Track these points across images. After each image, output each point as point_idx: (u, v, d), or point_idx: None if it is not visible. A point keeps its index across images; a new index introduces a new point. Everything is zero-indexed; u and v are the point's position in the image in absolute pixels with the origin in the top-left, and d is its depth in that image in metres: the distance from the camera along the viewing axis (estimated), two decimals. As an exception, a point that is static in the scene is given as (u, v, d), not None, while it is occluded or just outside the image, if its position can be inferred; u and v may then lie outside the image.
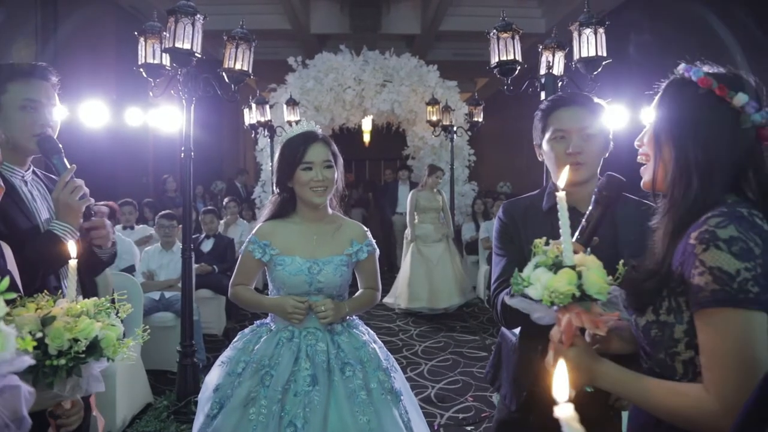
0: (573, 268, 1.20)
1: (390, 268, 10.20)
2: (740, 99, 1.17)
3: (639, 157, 1.35)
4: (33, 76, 1.90)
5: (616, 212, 1.76)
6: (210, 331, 5.90)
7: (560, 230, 1.24)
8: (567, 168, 1.33)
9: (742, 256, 1.06)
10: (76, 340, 1.28)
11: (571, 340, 1.24)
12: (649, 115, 1.32)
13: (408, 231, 7.31)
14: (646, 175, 1.32)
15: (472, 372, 5.07)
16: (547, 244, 1.30)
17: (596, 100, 1.91)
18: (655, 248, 1.25)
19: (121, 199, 6.79)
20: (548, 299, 1.18)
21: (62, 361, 1.27)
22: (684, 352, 1.17)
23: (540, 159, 1.96)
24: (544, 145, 1.91)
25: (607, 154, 1.90)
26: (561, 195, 1.24)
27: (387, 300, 7.33)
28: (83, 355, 1.29)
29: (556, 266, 1.21)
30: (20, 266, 1.57)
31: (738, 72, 1.23)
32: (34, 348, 1.27)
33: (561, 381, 0.70)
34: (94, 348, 1.31)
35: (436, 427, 3.96)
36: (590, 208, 1.48)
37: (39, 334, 1.25)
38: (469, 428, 3.95)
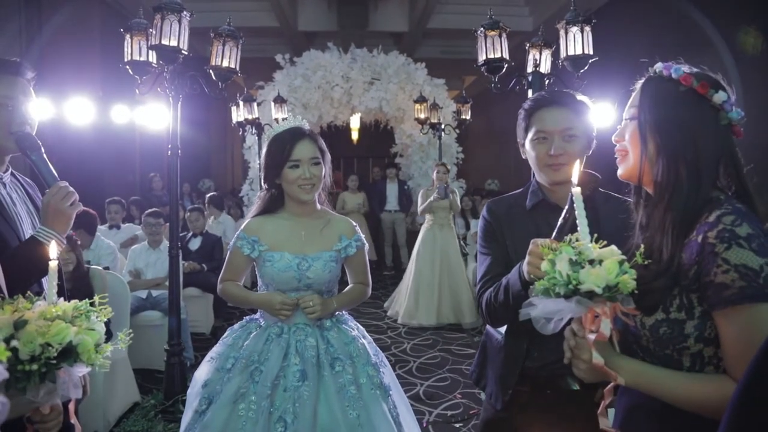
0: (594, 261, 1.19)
1: (379, 265, 10.20)
2: (720, 97, 1.24)
3: (616, 152, 1.39)
4: (7, 72, 1.81)
5: (598, 208, 1.77)
6: (198, 330, 5.88)
7: (578, 224, 1.25)
8: (577, 163, 1.35)
9: (762, 251, 1.11)
10: (48, 345, 1.22)
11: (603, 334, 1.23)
12: (627, 111, 1.36)
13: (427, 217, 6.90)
14: (624, 167, 1.36)
15: (460, 369, 5.08)
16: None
17: (580, 97, 1.90)
18: (653, 246, 1.27)
19: (107, 198, 6.74)
20: (609, 293, 1.14)
21: (34, 367, 1.21)
22: (693, 346, 1.20)
23: (524, 157, 1.96)
24: (527, 145, 1.90)
25: (590, 152, 1.90)
26: (576, 190, 1.26)
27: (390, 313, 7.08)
28: (55, 361, 1.23)
29: (587, 261, 1.19)
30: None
31: (708, 72, 1.29)
32: (6, 351, 1.22)
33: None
34: (69, 353, 1.25)
35: (425, 425, 3.96)
36: (567, 206, 1.49)
37: (12, 341, 1.21)
38: (457, 425, 3.96)
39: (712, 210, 1.19)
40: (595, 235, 1.25)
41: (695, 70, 1.29)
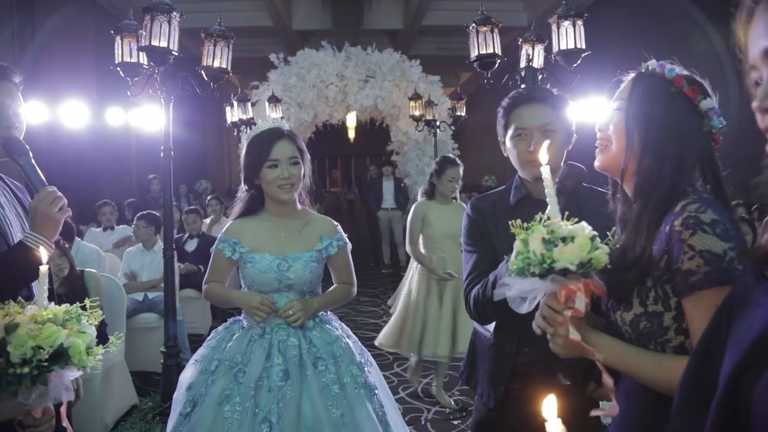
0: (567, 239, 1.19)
1: (376, 264, 10.19)
2: (707, 104, 1.27)
3: (598, 141, 1.39)
4: None
5: (581, 202, 1.77)
6: (196, 331, 5.86)
7: (548, 202, 1.26)
8: (546, 142, 1.37)
9: (725, 236, 1.13)
10: (39, 348, 1.23)
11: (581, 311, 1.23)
12: (614, 102, 1.37)
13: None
14: (603, 157, 1.37)
15: (458, 366, 5.04)
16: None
17: (556, 92, 1.91)
18: (628, 239, 1.27)
19: (103, 200, 6.73)
20: (583, 270, 1.15)
21: (25, 370, 1.22)
22: (674, 338, 1.21)
23: (505, 155, 1.95)
24: (507, 143, 1.90)
25: (570, 147, 1.90)
26: (545, 169, 1.28)
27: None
28: (46, 364, 1.24)
29: (559, 239, 1.18)
30: None
31: (697, 77, 1.31)
32: None
33: (551, 410, 0.72)
34: (60, 356, 1.26)
35: (423, 422, 3.96)
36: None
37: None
38: (455, 422, 3.96)
39: (678, 201, 1.20)
40: (566, 212, 1.25)
41: (686, 72, 1.30)
